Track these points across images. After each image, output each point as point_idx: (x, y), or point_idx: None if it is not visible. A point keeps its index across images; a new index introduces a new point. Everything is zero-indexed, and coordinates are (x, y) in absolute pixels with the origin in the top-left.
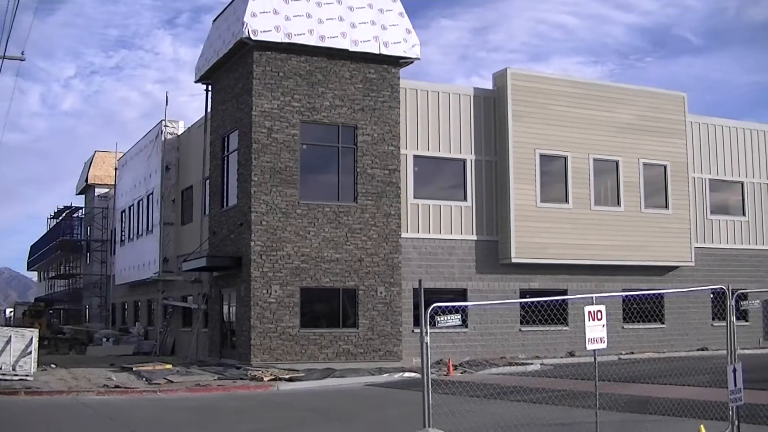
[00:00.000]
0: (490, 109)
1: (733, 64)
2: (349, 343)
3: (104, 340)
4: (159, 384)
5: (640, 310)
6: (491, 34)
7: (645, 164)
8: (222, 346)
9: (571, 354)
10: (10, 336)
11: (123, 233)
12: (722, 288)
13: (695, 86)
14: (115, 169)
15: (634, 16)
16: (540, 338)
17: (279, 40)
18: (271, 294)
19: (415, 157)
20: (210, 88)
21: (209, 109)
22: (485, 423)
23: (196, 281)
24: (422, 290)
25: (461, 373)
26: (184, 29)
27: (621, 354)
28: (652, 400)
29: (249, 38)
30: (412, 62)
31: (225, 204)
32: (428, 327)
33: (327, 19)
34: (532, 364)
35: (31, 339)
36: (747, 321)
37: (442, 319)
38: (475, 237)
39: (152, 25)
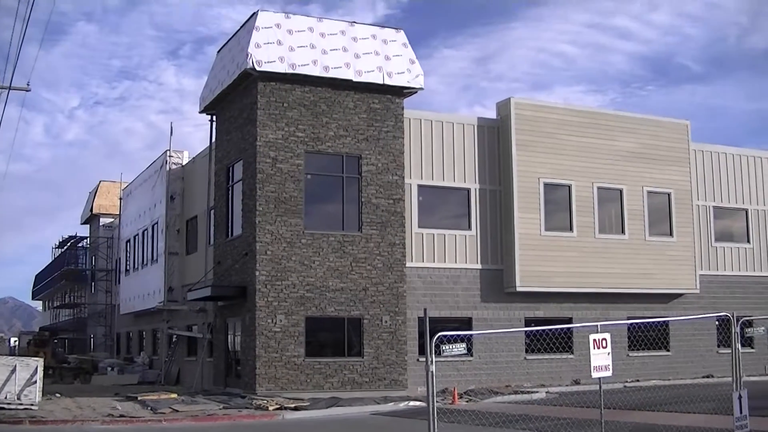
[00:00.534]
0: (494, 139)
1: (735, 91)
2: (354, 372)
3: (109, 369)
4: (164, 413)
5: (646, 337)
6: (493, 64)
7: (649, 192)
8: (227, 376)
9: (577, 382)
10: (15, 365)
11: (128, 263)
12: (727, 315)
13: (698, 114)
14: (120, 198)
15: (635, 45)
16: (545, 366)
17: (283, 71)
18: (276, 323)
19: (420, 186)
20: (215, 118)
21: (214, 140)
22: None
23: (201, 311)
24: (427, 319)
25: (466, 401)
26: (188, 60)
27: (626, 382)
28: (657, 428)
29: (253, 69)
30: (416, 92)
31: (230, 234)
32: (433, 356)
33: (331, 50)
34: (537, 392)
35: (36, 368)
36: (752, 348)
37: (447, 348)
38: (479, 266)
39: (155, 56)
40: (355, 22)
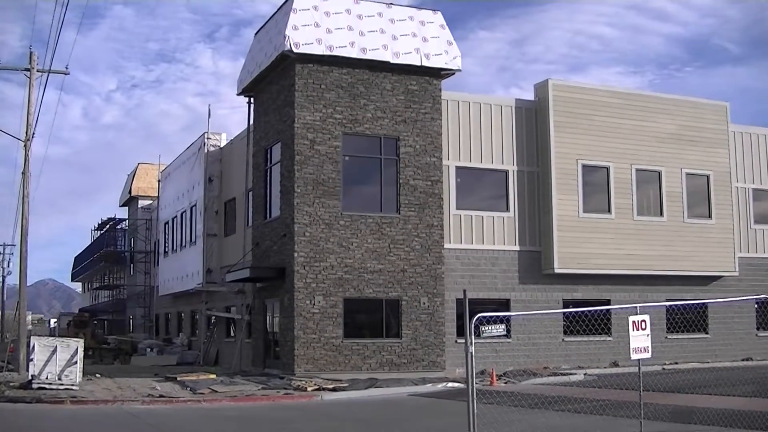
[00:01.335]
0: (532, 120)
1: None
2: (393, 354)
3: (148, 350)
4: (203, 394)
5: (684, 320)
6: (529, 46)
7: (688, 174)
8: (266, 357)
9: (615, 364)
10: (56, 346)
11: (166, 244)
12: (766, 297)
13: (736, 96)
14: (158, 181)
15: (673, 26)
16: (583, 348)
17: (321, 53)
18: (314, 304)
19: (458, 168)
20: (252, 100)
21: (251, 122)
22: None
23: (240, 292)
24: (466, 300)
25: (504, 383)
26: (224, 42)
27: (665, 364)
28: (696, 410)
29: (291, 51)
30: (454, 74)
31: (268, 215)
32: (473, 337)
33: (368, 32)
34: (575, 374)
35: (77, 349)
36: None
37: (486, 329)
38: (517, 247)
39: (192, 38)
40: (392, 3)
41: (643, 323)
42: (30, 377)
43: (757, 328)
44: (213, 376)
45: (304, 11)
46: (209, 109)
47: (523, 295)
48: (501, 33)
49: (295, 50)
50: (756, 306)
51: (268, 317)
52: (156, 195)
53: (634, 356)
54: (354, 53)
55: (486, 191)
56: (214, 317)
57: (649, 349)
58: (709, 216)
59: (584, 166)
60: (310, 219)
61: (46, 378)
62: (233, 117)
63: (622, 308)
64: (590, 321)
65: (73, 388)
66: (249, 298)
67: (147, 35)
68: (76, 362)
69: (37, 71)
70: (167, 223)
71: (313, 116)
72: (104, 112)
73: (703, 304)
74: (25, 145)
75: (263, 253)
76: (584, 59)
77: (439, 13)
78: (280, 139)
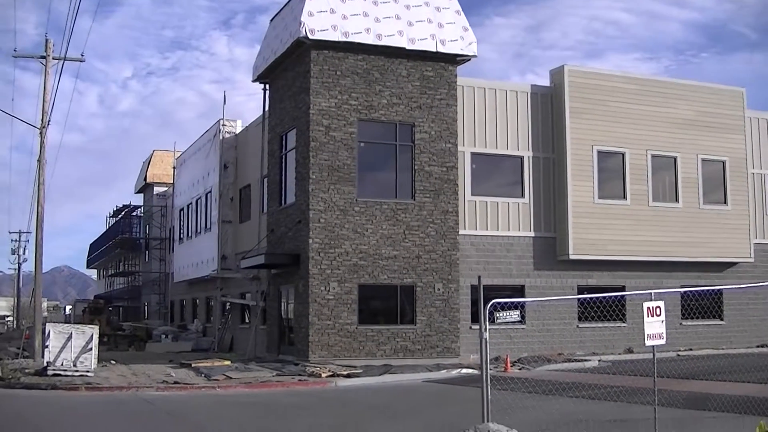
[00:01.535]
0: (548, 106)
1: None
2: (407, 340)
3: (163, 336)
4: (218, 380)
5: (699, 306)
6: (545, 32)
7: (703, 160)
8: (280, 343)
9: (629, 350)
10: (71, 333)
11: (181, 231)
12: None
13: (753, 82)
14: (174, 167)
15: (689, 12)
16: (598, 335)
17: (336, 39)
18: (329, 291)
19: (473, 154)
20: (268, 87)
21: (267, 108)
22: (544, 419)
23: (255, 278)
24: (481, 286)
25: (519, 369)
26: (240, 30)
27: (679, 350)
28: (711, 397)
29: (306, 37)
30: (469, 60)
31: (283, 202)
32: (487, 323)
33: (384, 18)
34: (589, 360)
35: (92, 336)
36: None
37: (501, 315)
38: (532, 234)
39: (208, 26)
40: None
41: (657, 309)
42: (45, 364)
43: None
44: (228, 362)
45: None
46: (224, 96)
47: (538, 282)
48: (517, 19)
49: (310, 36)
50: None
51: (282, 303)
52: (171, 182)
53: (648, 342)
54: (369, 39)
55: (501, 177)
56: (228, 304)
57: (664, 335)
58: (725, 202)
59: (599, 152)
60: (325, 205)
61: (61, 365)
62: (249, 104)
63: (636, 294)
64: (605, 307)
65: (88, 374)
66: (264, 285)
67: (163, 22)
68: (91, 349)
69: (53, 59)
70: (182, 209)
71: (329, 102)
72: (120, 99)
73: (718, 290)
74: (40, 133)
75: (278, 240)
76: (600, 45)
77: None
78: (295, 125)
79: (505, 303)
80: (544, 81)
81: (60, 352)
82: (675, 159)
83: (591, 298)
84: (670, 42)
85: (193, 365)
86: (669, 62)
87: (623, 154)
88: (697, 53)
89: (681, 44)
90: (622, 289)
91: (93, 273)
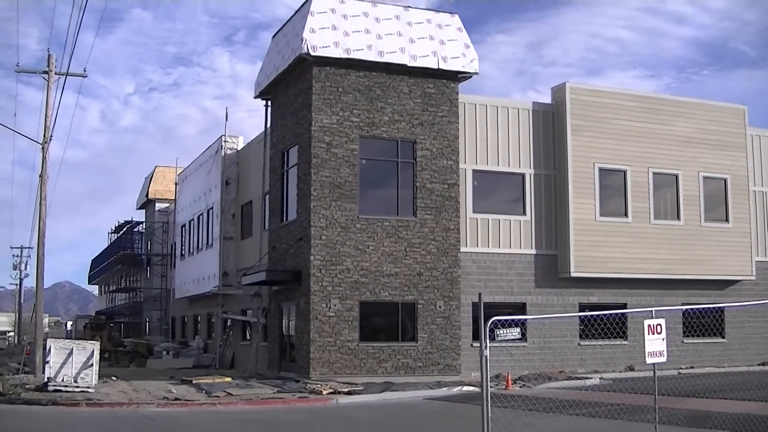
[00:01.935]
0: (549, 123)
1: None
2: (408, 357)
3: (164, 353)
4: (218, 397)
5: (700, 324)
6: (546, 49)
7: (705, 177)
8: (281, 360)
9: (631, 368)
10: (72, 348)
11: (183, 247)
12: None
13: (754, 99)
14: (176, 184)
15: (690, 30)
16: (599, 352)
17: (338, 56)
18: (330, 308)
19: (474, 171)
20: (269, 103)
21: (269, 125)
22: None
23: (256, 295)
24: (482, 304)
25: (520, 387)
26: (242, 46)
27: (681, 368)
28: (712, 415)
29: (308, 54)
30: (471, 77)
31: (284, 218)
32: (488, 340)
33: (385, 35)
34: (591, 378)
35: (93, 352)
36: None
37: (501, 332)
38: (534, 251)
39: (210, 42)
40: (409, 6)
41: (658, 327)
42: (46, 379)
43: None
44: (228, 379)
45: (322, 14)
46: (226, 113)
47: (539, 299)
48: (518, 36)
49: (312, 53)
50: None
51: (284, 320)
52: (173, 198)
53: (649, 360)
54: (371, 56)
55: (503, 194)
56: (230, 320)
57: (665, 353)
58: (726, 220)
59: (601, 170)
60: (326, 222)
61: (62, 380)
62: (250, 120)
63: (638, 312)
64: (606, 325)
65: (89, 390)
66: (265, 301)
67: (165, 38)
68: (92, 365)
69: (55, 74)
70: (184, 225)
71: (330, 119)
72: (122, 115)
73: (720, 307)
74: (42, 148)
75: (279, 257)
76: (601, 62)
77: (457, 16)
78: (297, 142)
79: (506, 320)
80: (546, 98)
81: (61, 367)
82: (676, 176)
83: (592, 316)
84: (670, 59)
85: (194, 382)
86: (670, 80)
87: (625, 172)
88: (698, 71)
89: (682, 62)
90: (624, 306)
91: (94, 289)
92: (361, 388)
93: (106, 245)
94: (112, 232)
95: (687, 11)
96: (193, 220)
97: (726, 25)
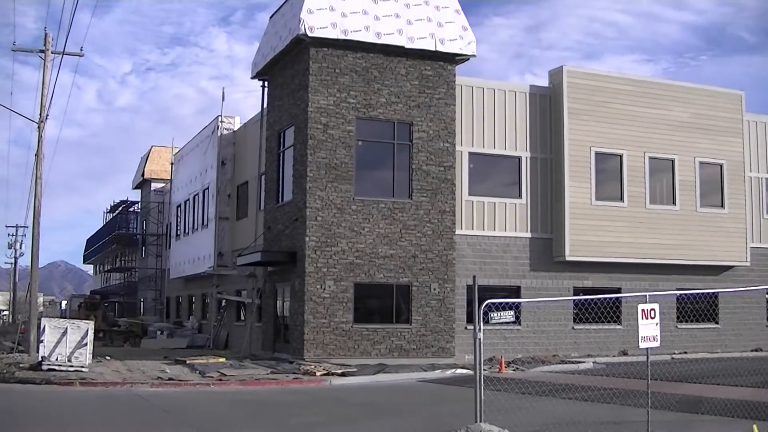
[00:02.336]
0: (546, 107)
1: None
2: (402, 339)
3: (158, 333)
4: (212, 377)
5: (694, 309)
6: (544, 33)
7: (701, 163)
8: (275, 341)
9: (624, 353)
10: (66, 328)
11: (178, 227)
12: None
13: (752, 85)
14: (171, 164)
15: (688, 15)
16: (593, 337)
17: (335, 37)
18: (325, 289)
19: (471, 154)
20: (266, 84)
21: (265, 105)
22: (537, 420)
23: (251, 276)
24: (476, 287)
25: (513, 370)
26: (239, 27)
27: (674, 353)
28: (704, 400)
29: (305, 35)
30: (468, 59)
31: (280, 199)
32: (482, 323)
33: (383, 16)
34: (584, 362)
35: (87, 331)
36: None
37: (495, 315)
38: (529, 234)
39: (207, 22)
40: None
41: (652, 312)
42: (40, 359)
43: None
44: (222, 359)
45: None
46: (223, 93)
47: (534, 283)
48: (516, 19)
49: (309, 34)
50: (767, 297)
51: (278, 301)
52: (169, 178)
53: (642, 345)
54: (369, 38)
55: (499, 177)
56: (224, 301)
57: (658, 338)
58: (722, 205)
59: (597, 154)
60: (322, 203)
61: (56, 359)
62: (247, 101)
63: (632, 296)
64: (600, 309)
65: (83, 369)
66: (260, 282)
67: (162, 18)
68: (86, 344)
69: (52, 53)
70: (179, 206)
71: (327, 100)
72: (119, 95)
73: (714, 293)
74: (38, 127)
75: (275, 237)
76: (599, 46)
77: None
78: (293, 123)
79: (500, 303)
80: (543, 81)
81: (55, 347)
82: (673, 161)
83: (586, 300)
84: (668, 44)
85: (188, 362)
86: (667, 64)
87: (621, 156)
88: (696, 56)
89: (679, 46)
90: (618, 291)
91: (89, 268)
92: (355, 369)
93: (102, 225)
94: (107, 212)
95: None
96: (188, 200)
97: (724, 10)
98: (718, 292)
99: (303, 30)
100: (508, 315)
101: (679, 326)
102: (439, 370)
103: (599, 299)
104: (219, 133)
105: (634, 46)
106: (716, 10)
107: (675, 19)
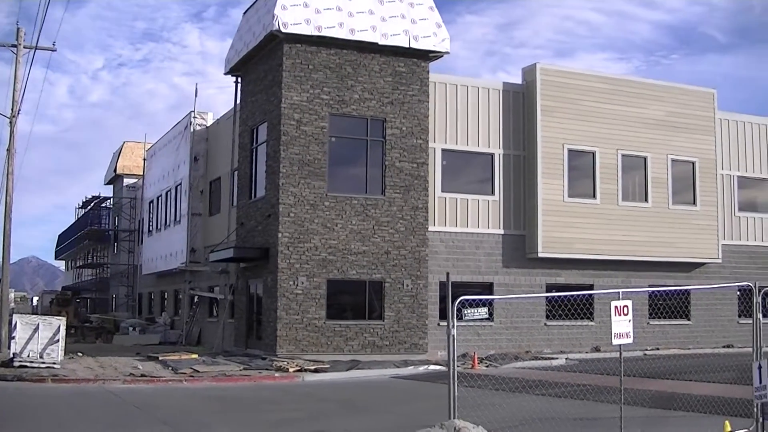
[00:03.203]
0: (519, 104)
1: (760, 62)
2: (375, 336)
3: (131, 329)
4: (185, 373)
5: (666, 306)
6: (517, 30)
7: (673, 160)
8: (248, 337)
9: (597, 349)
10: (38, 324)
11: (151, 223)
12: (749, 285)
13: (722, 84)
14: (144, 159)
15: (660, 14)
16: (565, 333)
17: (309, 33)
18: (297, 285)
19: (444, 150)
20: (240, 80)
21: (238, 101)
22: (510, 416)
23: (223, 272)
24: (449, 283)
25: (486, 366)
26: (212, 23)
27: (646, 350)
28: (677, 396)
29: (279, 31)
30: (442, 56)
31: (253, 195)
32: (455, 320)
33: (357, 13)
34: (557, 358)
35: (59, 327)
36: None
37: (468, 312)
38: (502, 231)
39: (180, 18)
40: None
41: (625, 308)
42: (11, 355)
43: (739, 316)
44: (195, 355)
45: None
46: (196, 89)
47: (507, 279)
48: (488, 17)
49: (283, 30)
50: (738, 293)
51: (251, 297)
52: (141, 173)
53: (615, 341)
54: (342, 34)
55: (472, 174)
56: (197, 297)
57: (631, 334)
58: (694, 203)
59: (570, 151)
60: (295, 199)
61: (28, 356)
62: (220, 97)
63: (604, 293)
64: (573, 306)
65: (55, 366)
66: (232, 278)
67: (135, 14)
68: (58, 340)
69: (24, 47)
70: (152, 201)
71: (300, 97)
72: (91, 90)
73: (686, 290)
74: (10, 122)
75: (247, 233)
76: (571, 44)
77: None
78: (266, 119)
79: (473, 300)
80: (516, 79)
81: (27, 343)
82: (645, 159)
83: (559, 296)
84: (640, 42)
85: (160, 358)
86: (639, 63)
87: (594, 153)
88: (668, 54)
89: (651, 45)
90: (591, 287)
91: (61, 264)
92: (328, 366)
93: (74, 220)
94: (79, 208)
95: None
96: (161, 196)
97: (696, 9)
98: (690, 289)
99: (277, 26)
100: (481, 311)
101: (651, 323)
102: (412, 367)
103: (572, 296)
104: (192, 129)
105: (606, 44)
106: (688, 9)
107: (647, 18)
